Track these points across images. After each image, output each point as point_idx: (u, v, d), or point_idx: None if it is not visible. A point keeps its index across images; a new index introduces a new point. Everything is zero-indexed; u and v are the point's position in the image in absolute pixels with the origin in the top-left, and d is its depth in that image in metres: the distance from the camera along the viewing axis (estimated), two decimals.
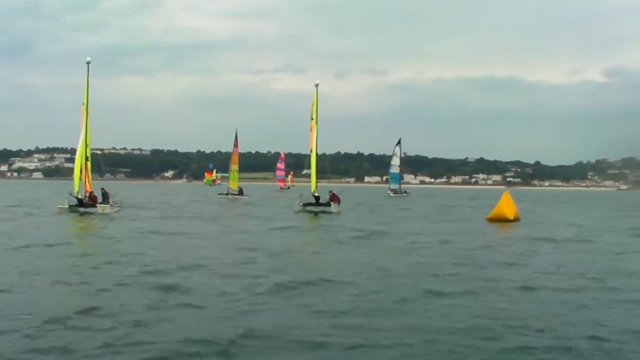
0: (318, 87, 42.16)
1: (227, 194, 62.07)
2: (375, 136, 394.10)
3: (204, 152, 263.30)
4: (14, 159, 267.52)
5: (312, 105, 42.25)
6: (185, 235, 24.18)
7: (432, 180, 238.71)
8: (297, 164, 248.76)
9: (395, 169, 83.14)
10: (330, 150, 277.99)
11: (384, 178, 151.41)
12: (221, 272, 14.54)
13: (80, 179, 35.18)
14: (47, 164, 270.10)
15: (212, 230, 26.70)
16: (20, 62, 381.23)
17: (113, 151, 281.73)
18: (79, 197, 34.95)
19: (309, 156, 43.71)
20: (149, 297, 11.43)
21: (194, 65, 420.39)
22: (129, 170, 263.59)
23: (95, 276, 13.76)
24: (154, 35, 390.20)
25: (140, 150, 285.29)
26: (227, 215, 38.31)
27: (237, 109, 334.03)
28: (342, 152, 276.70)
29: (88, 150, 36.78)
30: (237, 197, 61.04)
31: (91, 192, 35.59)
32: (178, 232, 25.39)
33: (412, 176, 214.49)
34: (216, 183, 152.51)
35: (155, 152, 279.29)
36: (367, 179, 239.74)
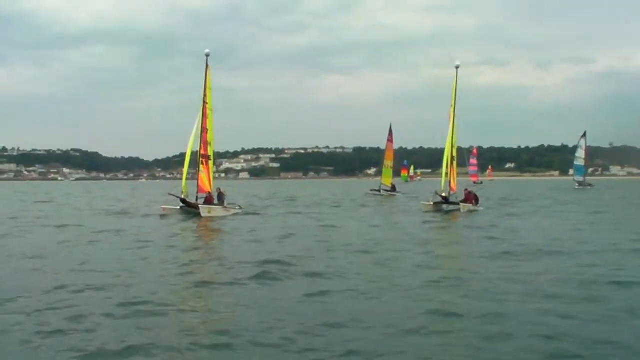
0: (458, 70, 37.50)
1: (379, 191, 59.53)
2: (579, 128, 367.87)
3: (405, 148, 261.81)
4: (221, 160, 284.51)
5: (452, 91, 37.73)
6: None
7: None
8: (501, 158, 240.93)
9: (580, 161, 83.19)
10: (532, 143, 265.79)
11: (590, 170, 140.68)
12: None
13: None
14: (253, 164, 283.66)
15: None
16: (224, 67, 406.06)
17: (316, 150, 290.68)
18: (183, 197, 33.02)
19: (461, 149, 39.96)
20: None
21: (395, 62, 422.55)
22: (332, 168, 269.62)
23: None
24: (355, 34, 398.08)
25: (343, 148, 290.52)
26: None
27: (438, 104, 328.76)
28: (546, 145, 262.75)
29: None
30: (390, 193, 58.24)
31: (209, 193, 34.25)
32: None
33: (619, 167, 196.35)
34: (414, 180, 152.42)
35: (358, 150, 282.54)
36: (571, 171, 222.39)
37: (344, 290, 11.56)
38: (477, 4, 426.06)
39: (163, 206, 34.17)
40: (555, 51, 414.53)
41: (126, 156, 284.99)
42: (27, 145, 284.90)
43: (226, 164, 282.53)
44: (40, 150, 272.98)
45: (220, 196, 34.25)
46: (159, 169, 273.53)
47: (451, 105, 37.03)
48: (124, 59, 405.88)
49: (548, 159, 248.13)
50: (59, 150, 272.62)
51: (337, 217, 32.34)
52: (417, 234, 23.24)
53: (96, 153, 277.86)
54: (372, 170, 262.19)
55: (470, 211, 34.43)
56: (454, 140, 37.18)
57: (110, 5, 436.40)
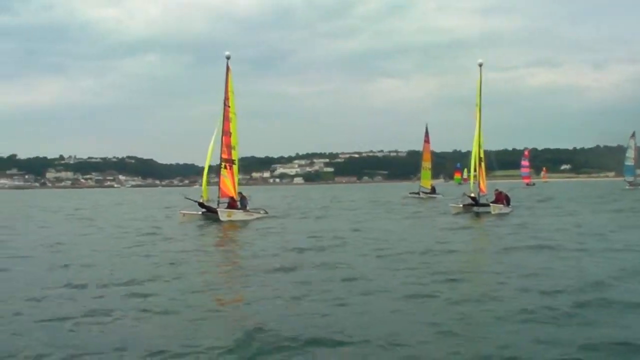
0: (482, 67, 36.27)
1: (418, 193, 58.27)
2: (636, 128, 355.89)
3: (459, 151, 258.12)
4: (275, 165, 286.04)
5: (477, 90, 36.54)
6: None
7: None
8: (556, 159, 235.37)
9: (629, 161, 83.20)
10: (588, 144, 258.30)
11: None
12: None
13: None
14: (307, 169, 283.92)
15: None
16: (276, 72, 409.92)
17: (371, 154, 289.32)
18: (202, 201, 32.36)
19: (487, 152, 38.55)
20: None
21: (447, 65, 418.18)
22: (386, 172, 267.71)
23: None
24: (406, 37, 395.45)
25: (397, 152, 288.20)
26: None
27: (490, 106, 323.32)
28: (602, 146, 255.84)
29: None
30: (429, 195, 56.97)
31: (232, 198, 33.84)
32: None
33: None
34: (467, 182, 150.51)
35: (412, 153, 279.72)
36: None
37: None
38: (529, 6, 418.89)
39: (182, 211, 33.30)
40: (610, 51, 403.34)
41: (181, 163, 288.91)
42: (83, 154, 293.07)
43: (280, 169, 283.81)
44: (96, 158, 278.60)
45: (243, 200, 33.78)
46: (213, 175, 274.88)
47: (476, 105, 35.78)
48: (177, 67, 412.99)
49: (604, 159, 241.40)
50: (114, 157, 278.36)
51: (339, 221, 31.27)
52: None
53: (151, 160, 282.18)
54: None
55: (501, 213, 33.11)
56: (480, 140, 35.92)
57: (163, 14, 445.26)
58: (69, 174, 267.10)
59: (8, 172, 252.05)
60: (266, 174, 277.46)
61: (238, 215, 31.67)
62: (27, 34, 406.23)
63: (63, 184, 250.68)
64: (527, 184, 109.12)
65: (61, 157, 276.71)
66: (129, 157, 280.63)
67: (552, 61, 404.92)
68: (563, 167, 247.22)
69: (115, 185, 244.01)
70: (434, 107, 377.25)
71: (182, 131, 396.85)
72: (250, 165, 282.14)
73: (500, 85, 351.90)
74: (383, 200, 56.05)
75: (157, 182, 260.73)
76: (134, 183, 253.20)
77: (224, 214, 30.74)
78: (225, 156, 34.45)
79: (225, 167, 34.56)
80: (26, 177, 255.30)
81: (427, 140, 60.60)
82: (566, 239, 20.24)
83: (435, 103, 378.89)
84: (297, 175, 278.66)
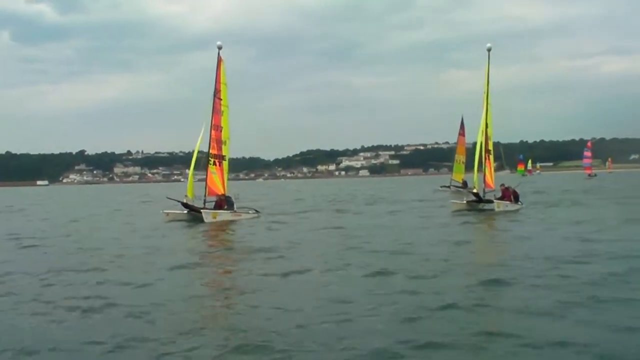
0: (490, 52, 33.54)
1: (449, 187, 55.60)
2: None
3: (526, 142, 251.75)
4: (341, 158, 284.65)
5: (485, 76, 33.59)
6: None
7: None
8: (624, 149, 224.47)
9: None
10: None
11: None
12: None
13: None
14: (373, 161, 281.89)
15: None
16: (345, 64, 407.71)
17: (436, 146, 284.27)
18: (185, 201, 30.49)
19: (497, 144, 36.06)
20: None
21: (518, 54, 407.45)
22: (451, 164, 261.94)
23: None
24: (475, 28, 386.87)
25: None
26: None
27: (562, 95, 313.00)
28: None
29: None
30: (460, 190, 54.09)
31: (219, 197, 32.01)
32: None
33: None
34: (532, 174, 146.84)
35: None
36: None
37: None
38: None
39: (165, 211, 31.40)
40: None
41: (247, 156, 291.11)
42: (150, 148, 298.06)
43: (346, 162, 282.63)
44: (163, 153, 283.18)
45: (229, 200, 31.88)
46: (280, 168, 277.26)
47: (484, 92, 32.85)
48: (244, 60, 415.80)
49: None
50: (181, 152, 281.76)
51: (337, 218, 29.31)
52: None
53: None
54: (493, 165, 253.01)
55: (507, 210, 30.19)
56: (490, 132, 33.00)
57: (231, 7, 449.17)
58: (137, 169, 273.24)
59: (77, 167, 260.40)
60: (331, 167, 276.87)
61: (224, 215, 29.76)
62: (95, 31, 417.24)
63: (130, 178, 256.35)
64: (589, 175, 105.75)
65: (129, 152, 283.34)
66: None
67: (625, 48, 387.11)
68: (632, 157, 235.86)
69: (182, 180, 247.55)
70: (503, 97, 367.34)
71: (248, 124, 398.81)
72: (316, 158, 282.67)
73: (573, 73, 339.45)
74: (409, 195, 53.37)
75: None
76: (200, 177, 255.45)
77: (208, 215, 28.80)
78: (214, 152, 32.70)
79: (214, 164, 32.85)
80: (94, 172, 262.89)
81: (462, 133, 57.75)
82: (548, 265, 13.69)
83: (504, 93, 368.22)
84: (362, 167, 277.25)
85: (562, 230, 21.36)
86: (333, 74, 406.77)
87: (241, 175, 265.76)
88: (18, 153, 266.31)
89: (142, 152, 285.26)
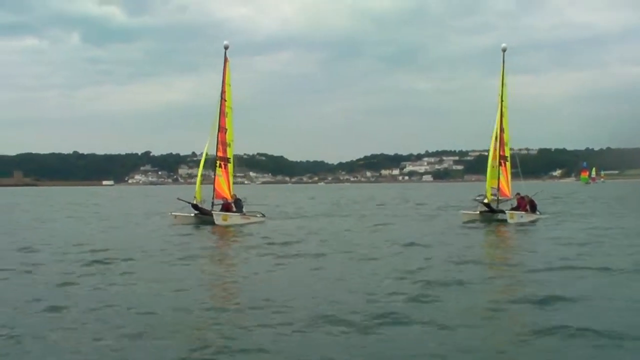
0: (505, 52, 32.05)
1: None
2: None
3: (592, 149, 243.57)
4: (404, 163, 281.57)
5: (500, 78, 32.40)
6: None
7: None
8: None
9: None
10: None
11: None
12: None
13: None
14: (436, 166, 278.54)
15: None
16: (408, 69, 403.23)
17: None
18: (195, 203, 30.22)
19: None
20: None
21: (584, 61, 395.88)
22: (515, 170, 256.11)
23: None
24: (540, 33, 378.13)
25: (527, 149, 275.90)
26: None
27: (628, 102, 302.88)
28: None
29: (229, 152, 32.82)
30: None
31: (227, 199, 31.21)
32: None
33: None
34: (595, 181, 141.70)
35: (543, 151, 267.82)
36: None
37: None
38: None
39: (174, 213, 31.12)
40: None
41: (311, 160, 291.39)
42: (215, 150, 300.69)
43: (409, 167, 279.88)
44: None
45: (238, 203, 31.24)
46: (343, 172, 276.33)
47: (498, 95, 31.10)
48: (310, 64, 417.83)
49: None
50: (245, 155, 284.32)
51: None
52: None
53: (281, 157, 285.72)
54: (558, 172, 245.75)
55: (521, 223, 27.99)
56: (506, 137, 31.13)
57: (296, 11, 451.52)
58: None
59: (142, 168, 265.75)
60: (395, 172, 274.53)
61: (234, 219, 29.54)
62: (162, 33, 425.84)
63: (194, 180, 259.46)
64: None
65: (193, 154, 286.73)
66: (259, 154, 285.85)
67: None
68: None
69: (246, 182, 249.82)
70: (568, 104, 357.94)
71: (312, 128, 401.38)
72: (380, 162, 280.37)
73: None
74: (445, 200, 51.35)
75: (287, 178, 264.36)
76: (264, 180, 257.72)
77: (219, 218, 28.71)
78: (220, 154, 32.51)
79: (220, 166, 32.68)
80: (159, 173, 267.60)
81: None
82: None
83: (570, 100, 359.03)
84: (426, 172, 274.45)
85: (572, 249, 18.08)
86: (398, 78, 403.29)
87: (304, 179, 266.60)
88: (85, 153, 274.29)
89: (207, 153, 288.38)
